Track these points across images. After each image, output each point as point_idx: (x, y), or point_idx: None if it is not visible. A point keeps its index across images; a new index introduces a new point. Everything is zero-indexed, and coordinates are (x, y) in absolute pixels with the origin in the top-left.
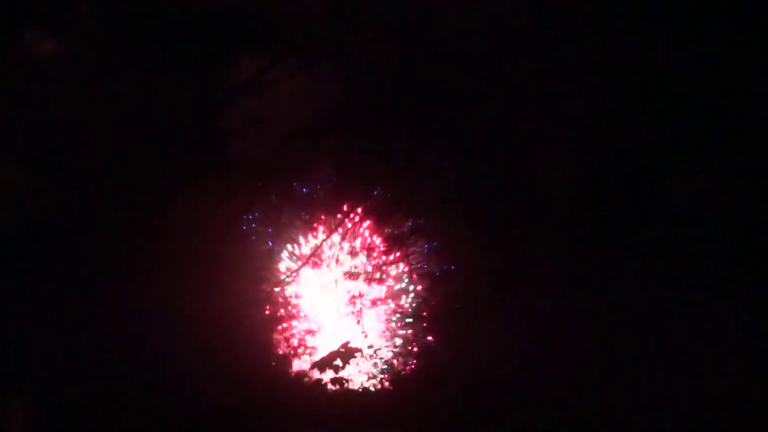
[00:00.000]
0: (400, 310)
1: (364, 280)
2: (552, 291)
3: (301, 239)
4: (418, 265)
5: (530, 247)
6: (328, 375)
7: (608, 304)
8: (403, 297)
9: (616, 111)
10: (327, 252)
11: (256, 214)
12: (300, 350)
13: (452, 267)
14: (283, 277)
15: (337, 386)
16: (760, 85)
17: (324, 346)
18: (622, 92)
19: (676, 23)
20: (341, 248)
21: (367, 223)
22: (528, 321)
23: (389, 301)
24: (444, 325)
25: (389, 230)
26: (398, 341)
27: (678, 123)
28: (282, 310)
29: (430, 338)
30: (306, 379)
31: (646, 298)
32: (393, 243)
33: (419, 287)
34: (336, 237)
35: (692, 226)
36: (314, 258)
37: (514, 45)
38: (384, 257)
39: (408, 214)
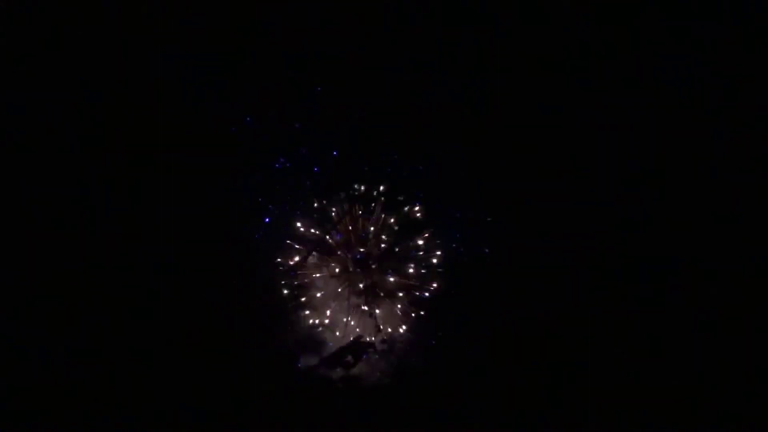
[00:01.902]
0: (417, 301)
1: (378, 268)
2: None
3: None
4: (437, 254)
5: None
6: (337, 373)
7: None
8: (421, 288)
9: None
10: (337, 239)
11: (260, 200)
12: (307, 345)
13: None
14: (289, 265)
15: (348, 385)
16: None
17: (334, 340)
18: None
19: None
20: (353, 235)
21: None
22: (546, 316)
23: (405, 291)
24: (464, 317)
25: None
26: (415, 336)
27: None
28: (288, 302)
29: (449, 332)
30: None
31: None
32: (409, 229)
33: (437, 278)
34: (347, 222)
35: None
36: (324, 245)
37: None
38: (400, 245)
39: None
